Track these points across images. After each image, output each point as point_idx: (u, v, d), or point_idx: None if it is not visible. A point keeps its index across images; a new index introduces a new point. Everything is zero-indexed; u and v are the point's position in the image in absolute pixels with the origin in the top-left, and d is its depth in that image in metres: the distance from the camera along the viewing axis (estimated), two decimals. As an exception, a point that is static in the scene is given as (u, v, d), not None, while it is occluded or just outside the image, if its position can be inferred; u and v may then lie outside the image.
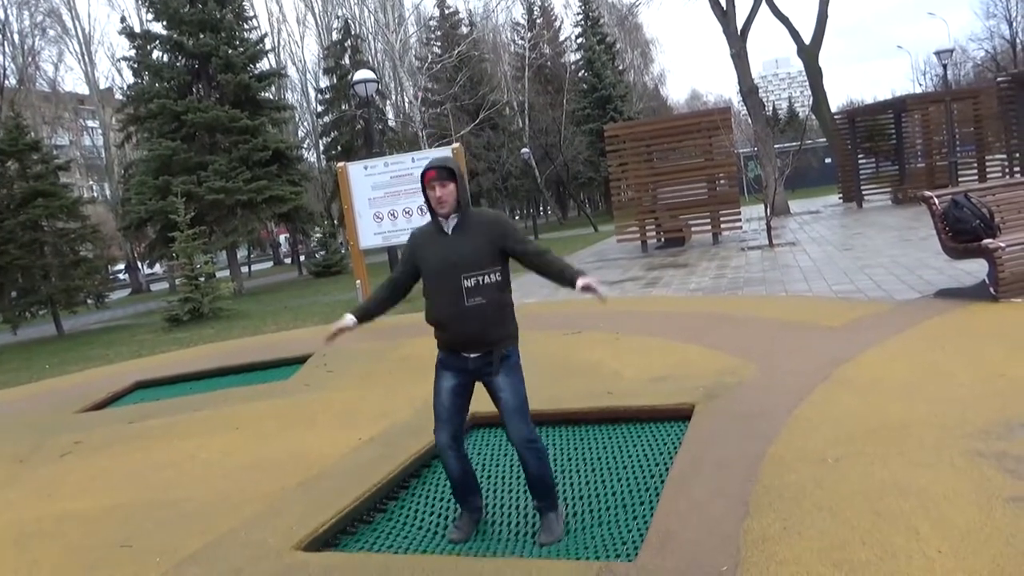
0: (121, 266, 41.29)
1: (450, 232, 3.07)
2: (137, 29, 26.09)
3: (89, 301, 17.86)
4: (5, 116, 17.80)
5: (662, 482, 3.39)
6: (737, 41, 21.94)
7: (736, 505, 2.95)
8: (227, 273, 24.13)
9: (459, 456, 3.19)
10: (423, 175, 3.06)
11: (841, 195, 21.93)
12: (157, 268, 37.42)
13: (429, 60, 30.55)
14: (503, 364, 3.06)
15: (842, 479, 3.06)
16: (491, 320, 3.03)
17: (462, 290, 2.98)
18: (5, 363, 12.81)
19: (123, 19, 30.14)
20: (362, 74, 13.35)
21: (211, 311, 14.85)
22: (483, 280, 2.99)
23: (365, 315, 3.30)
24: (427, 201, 3.07)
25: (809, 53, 24.11)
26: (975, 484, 2.86)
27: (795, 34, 24.37)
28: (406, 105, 32.12)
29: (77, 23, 34.81)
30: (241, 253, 31.98)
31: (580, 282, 2.98)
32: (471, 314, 2.99)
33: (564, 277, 3.05)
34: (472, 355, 3.07)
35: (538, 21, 44.43)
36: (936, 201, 6.41)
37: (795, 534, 2.66)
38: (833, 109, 26.00)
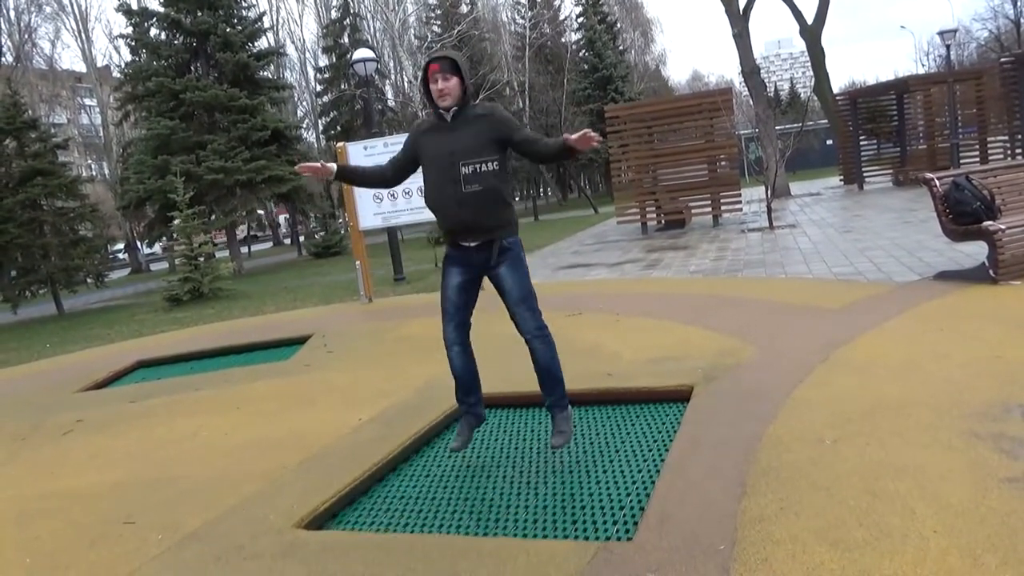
0: (120, 245, 41.24)
1: (450, 121, 3.14)
2: (134, 6, 25.80)
3: (89, 280, 17.84)
4: (2, 94, 17.66)
5: (660, 463, 3.42)
6: (739, 21, 21.78)
7: (733, 485, 2.97)
8: (227, 253, 24.11)
9: (464, 351, 3.34)
10: (426, 67, 3.11)
11: (842, 177, 21.89)
12: (156, 248, 37.36)
13: (429, 39, 30.37)
14: (505, 256, 3.16)
15: (839, 459, 3.09)
16: (488, 207, 3.11)
17: (460, 177, 3.07)
18: (5, 342, 12.83)
19: (120, -4, 29.87)
20: (361, 53, 13.24)
21: (211, 291, 14.87)
22: (480, 168, 3.07)
23: (350, 171, 3.37)
24: (427, 94, 3.11)
25: (811, 33, 23.96)
26: (971, 465, 2.88)
27: (798, 14, 24.21)
28: (405, 85, 31.90)
29: (73, 0, 34.54)
30: (243, 231, 31.96)
31: (570, 139, 3.00)
32: (468, 200, 3.07)
33: (558, 150, 3.10)
34: (472, 244, 3.15)
35: (538, 1, 44.05)
36: (937, 183, 6.40)
37: (791, 514, 2.68)
38: (835, 90, 25.87)
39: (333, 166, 3.34)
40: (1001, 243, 5.95)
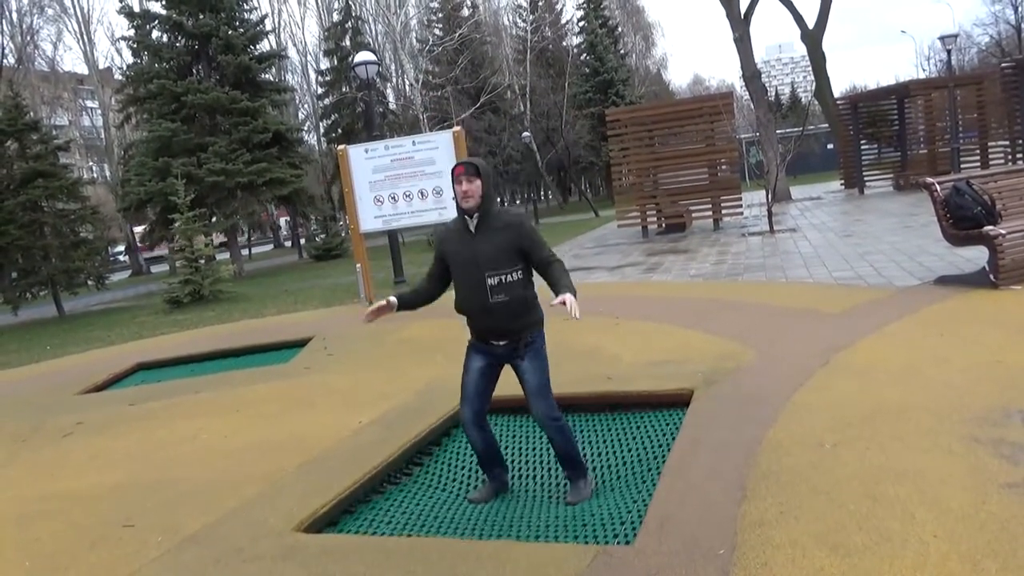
0: (121, 248, 41.24)
1: (474, 230, 3.22)
2: (136, 8, 25.83)
3: (89, 282, 17.84)
4: (4, 96, 17.68)
5: (660, 466, 3.42)
6: (740, 25, 21.80)
7: (733, 489, 2.97)
8: (227, 256, 24.12)
9: (482, 432, 3.39)
10: (453, 170, 3.26)
11: (843, 181, 21.89)
12: (156, 251, 37.37)
13: (430, 42, 30.40)
14: (528, 348, 3.18)
15: (839, 464, 3.08)
16: (515, 314, 3.23)
17: (486, 288, 3.17)
18: (6, 344, 12.83)
19: (122, -2, 29.92)
20: (363, 56, 13.25)
21: (211, 293, 14.87)
22: (506, 279, 3.17)
23: (406, 302, 3.42)
24: (455, 196, 3.19)
25: (812, 38, 23.99)
26: (971, 470, 2.88)
27: (799, 18, 24.23)
28: (407, 88, 31.95)
29: (76, 2, 34.57)
30: (243, 235, 31.99)
31: (557, 298, 3.06)
32: (496, 309, 3.19)
33: (555, 287, 3.15)
34: (499, 343, 3.25)
35: (540, 4, 44.07)
36: (937, 188, 6.40)
37: (791, 518, 2.68)
38: (836, 94, 25.88)
39: (395, 300, 3.39)
40: (1001, 248, 5.95)
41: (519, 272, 3.20)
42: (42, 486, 4.28)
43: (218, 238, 26.43)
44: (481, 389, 3.34)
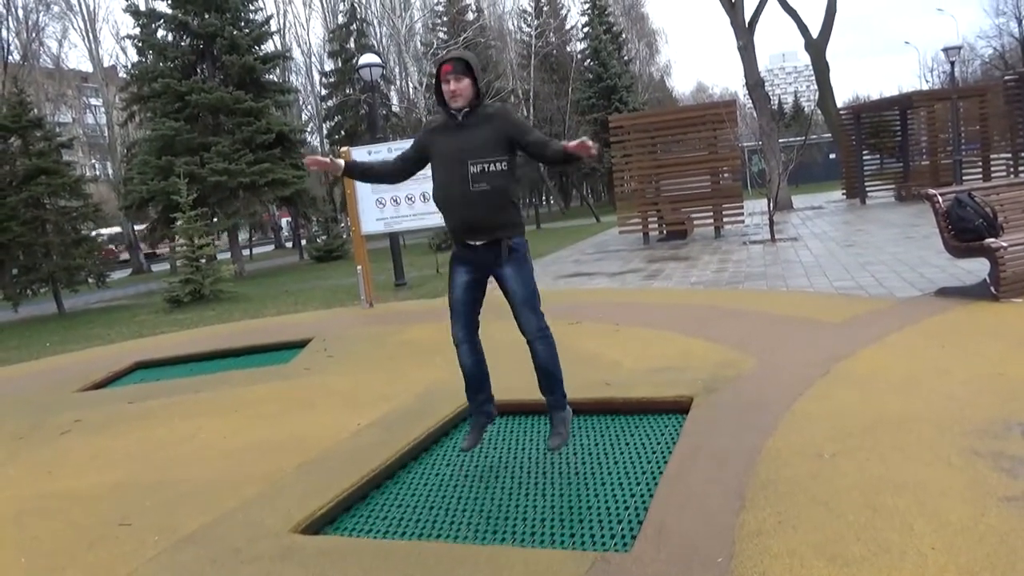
0: (122, 245, 41.22)
1: (460, 120, 3.16)
2: (142, 7, 25.89)
3: (90, 280, 17.85)
4: (8, 92, 17.70)
5: (659, 473, 3.41)
6: (744, 33, 21.84)
7: (732, 498, 2.97)
8: (228, 255, 24.13)
9: (473, 349, 3.37)
10: (439, 67, 3.13)
11: (844, 191, 21.91)
12: (158, 249, 37.39)
13: (435, 45, 30.45)
14: (510, 256, 3.16)
15: (838, 474, 3.08)
16: (495, 207, 3.13)
17: (468, 176, 3.09)
18: (5, 340, 12.83)
19: (128, -3, 29.96)
20: (367, 58, 13.27)
21: (212, 293, 14.87)
22: (489, 167, 3.09)
23: (357, 167, 3.38)
24: (439, 95, 3.13)
25: (816, 47, 24.02)
26: (971, 482, 2.88)
27: (803, 28, 24.27)
28: (410, 90, 32.01)
29: (82, 0, 34.66)
30: (242, 235, 32.02)
31: (568, 147, 3.01)
32: (475, 199, 3.10)
33: (561, 156, 3.10)
34: (478, 243, 3.16)
35: (544, 9, 44.16)
36: (939, 199, 6.40)
37: (790, 528, 2.67)
38: (839, 104, 25.92)
39: (341, 162, 3.35)
40: (1003, 260, 5.96)
41: (503, 163, 3.12)
42: (40, 484, 4.28)
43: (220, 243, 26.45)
44: (469, 301, 3.29)
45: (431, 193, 3.33)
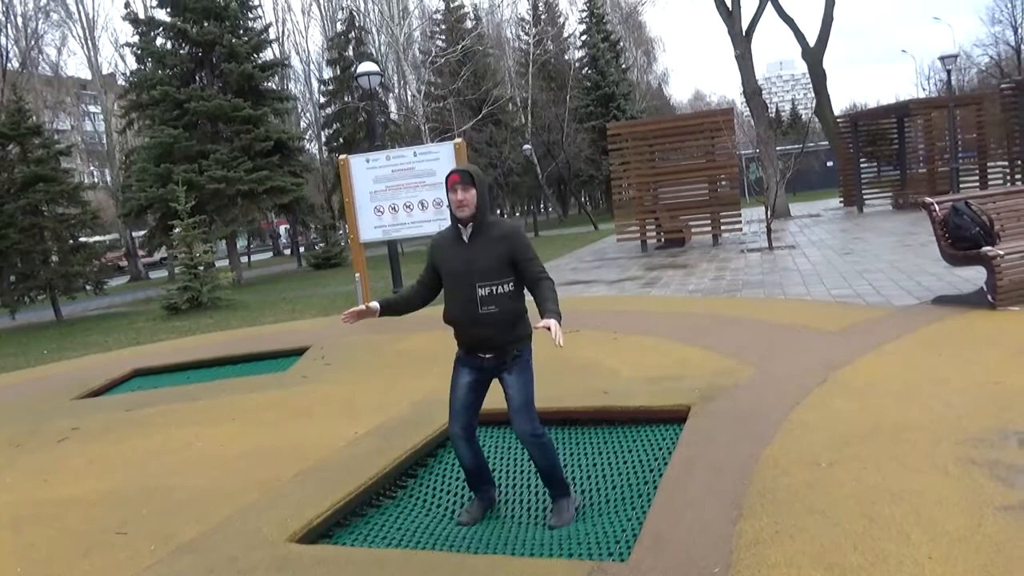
0: (120, 252, 41.20)
1: (467, 240, 3.19)
2: (141, 15, 26.00)
3: (88, 287, 17.84)
4: (7, 100, 17.73)
5: (656, 483, 3.41)
6: (742, 42, 21.93)
7: (729, 507, 2.97)
8: (226, 263, 24.13)
9: (471, 447, 3.34)
10: (447, 178, 3.17)
11: (842, 199, 21.96)
12: (156, 256, 37.38)
13: (433, 54, 30.53)
14: (515, 362, 3.16)
15: (835, 483, 3.08)
16: (504, 327, 3.17)
17: (476, 298, 3.12)
18: (3, 348, 12.81)
19: (127, 4, 30.07)
20: (366, 66, 13.31)
21: (210, 300, 14.86)
22: (496, 290, 3.12)
23: (390, 307, 3.38)
24: (449, 204, 3.17)
25: (813, 55, 24.10)
26: (967, 492, 2.88)
27: (800, 36, 24.35)
28: (408, 98, 32.07)
29: (81, 7, 34.74)
30: (241, 243, 32.02)
31: (542, 322, 3.01)
32: (485, 321, 3.14)
33: (541, 308, 3.12)
34: (487, 355, 3.20)
35: (543, 17, 44.35)
36: (936, 207, 6.42)
37: (787, 537, 2.67)
38: (836, 112, 26.00)
39: (376, 305, 3.35)
40: (999, 269, 5.97)
41: (510, 284, 3.15)
42: (37, 491, 4.27)
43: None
44: (469, 404, 3.30)
45: (444, 307, 3.30)
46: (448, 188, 3.17)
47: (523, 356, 3.25)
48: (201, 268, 15.21)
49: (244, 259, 35.31)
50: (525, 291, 3.25)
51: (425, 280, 3.36)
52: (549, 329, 2.97)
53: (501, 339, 3.18)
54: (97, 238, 22.47)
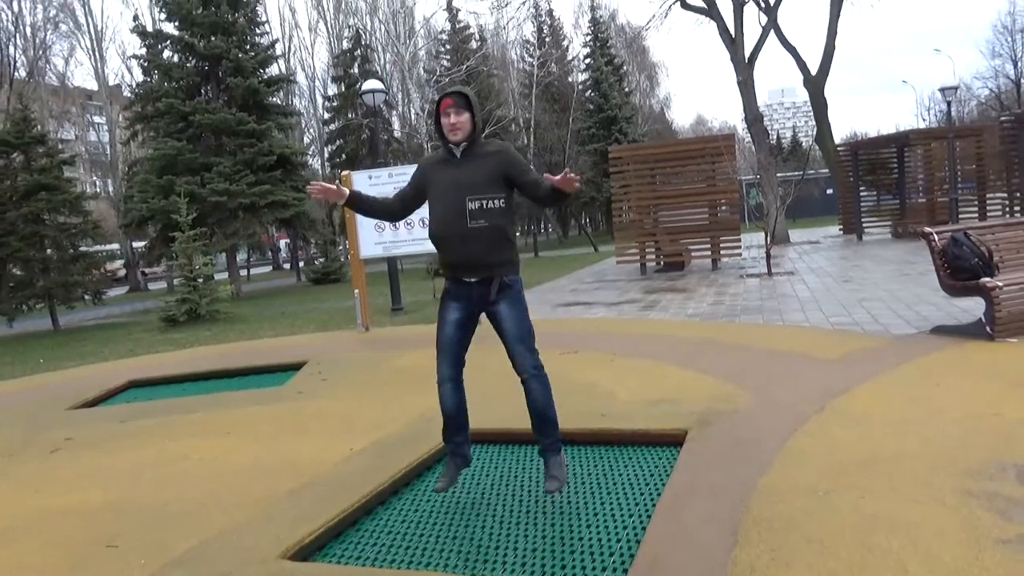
0: (119, 263, 41.22)
1: (459, 156, 3.14)
2: (149, 28, 26.19)
3: (87, 297, 17.82)
4: (13, 108, 17.81)
5: (652, 507, 3.39)
6: (744, 69, 22.12)
7: (725, 534, 2.95)
8: (226, 276, 24.13)
9: (456, 389, 3.31)
10: (439, 101, 3.15)
11: (841, 226, 22.03)
12: (158, 268, 37.39)
13: (438, 73, 30.74)
14: (505, 293, 3.13)
15: (832, 512, 3.06)
16: (492, 244, 3.12)
17: (466, 211, 3.07)
18: (-2, 355, 12.77)
19: (135, 17, 30.27)
20: (370, 84, 13.40)
21: (208, 313, 14.84)
22: (487, 204, 3.08)
23: (360, 198, 3.37)
24: (439, 128, 3.14)
25: (815, 84, 24.30)
26: (965, 523, 2.86)
27: (802, 64, 24.56)
28: (412, 116, 32.25)
29: (90, 19, 35.02)
30: (241, 256, 32.04)
31: (554, 181, 3.04)
32: (473, 235, 3.08)
33: (550, 193, 3.13)
34: (473, 279, 3.13)
35: (547, 40, 44.74)
36: (935, 237, 6.44)
37: (783, 565, 2.65)
38: (837, 140, 26.16)
39: (346, 190, 3.34)
40: (998, 300, 5.98)
41: (501, 200, 3.12)
42: (27, 502, 4.23)
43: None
44: (457, 340, 3.24)
45: (430, 223, 3.31)
46: (440, 112, 3.13)
47: (514, 287, 3.20)
48: (200, 280, 15.21)
49: (244, 272, 35.32)
50: (514, 213, 3.24)
51: (403, 194, 3.34)
52: (564, 174, 2.97)
53: (489, 258, 3.11)
54: (98, 247, 22.48)
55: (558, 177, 3.02)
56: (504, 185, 3.13)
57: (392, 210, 3.40)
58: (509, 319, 3.15)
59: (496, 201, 3.11)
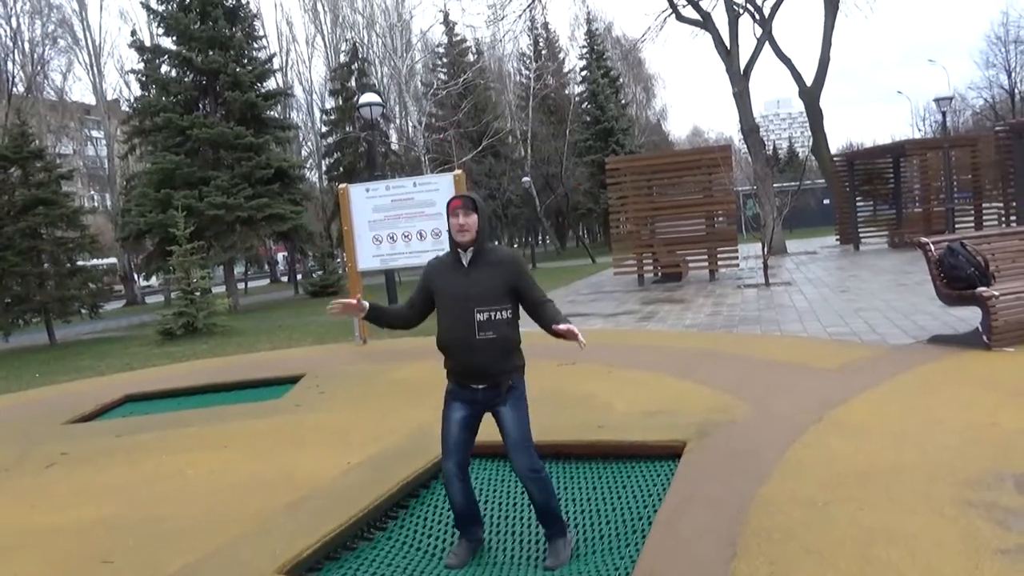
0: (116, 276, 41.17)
1: (466, 265, 3.17)
2: (147, 43, 26.29)
3: (83, 311, 17.79)
4: (11, 123, 17.84)
5: (650, 519, 3.38)
6: (740, 80, 22.23)
7: (724, 546, 2.94)
8: (223, 289, 24.10)
9: (464, 486, 3.27)
10: (449, 203, 3.19)
11: (838, 236, 22.08)
12: (153, 281, 37.36)
13: (435, 86, 30.85)
14: (509, 395, 3.12)
15: (831, 523, 3.05)
16: (500, 354, 3.12)
17: (474, 323, 3.08)
18: (-5, 370, 12.72)
19: (134, 32, 30.40)
20: (368, 97, 13.47)
21: (205, 326, 14.81)
22: (495, 316, 3.09)
23: (377, 312, 3.35)
24: (449, 229, 3.17)
25: (810, 95, 24.41)
26: (964, 534, 2.86)
27: (797, 76, 24.69)
28: (409, 129, 32.35)
29: (88, 34, 35.10)
30: (238, 269, 32.02)
31: (564, 325, 3.03)
32: (481, 347, 3.09)
33: (553, 320, 3.12)
34: (480, 387, 3.14)
35: (543, 53, 44.94)
36: (932, 247, 6.46)
37: (782, 578, 2.64)
38: (832, 151, 26.26)
39: (367, 304, 3.35)
40: (994, 309, 5.99)
41: (508, 311, 3.13)
42: (22, 518, 4.21)
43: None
44: (463, 440, 3.23)
45: (438, 332, 3.28)
46: (450, 213, 3.17)
47: (518, 388, 3.21)
48: (198, 294, 15.19)
49: (241, 285, 35.30)
50: (520, 324, 3.23)
51: (415, 302, 3.33)
52: (571, 330, 2.97)
53: (496, 367, 3.13)
54: (95, 262, 22.47)
55: (564, 328, 3.03)
56: (511, 295, 3.15)
57: (408, 319, 3.40)
58: (511, 422, 3.17)
59: (503, 312, 3.13)
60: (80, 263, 18.31)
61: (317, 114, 40.69)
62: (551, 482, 3.29)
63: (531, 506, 3.53)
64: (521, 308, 3.20)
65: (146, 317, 22.65)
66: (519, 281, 3.16)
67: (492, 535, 3.51)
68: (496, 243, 3.65)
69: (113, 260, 39.09)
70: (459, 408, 3.23)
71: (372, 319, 3.36)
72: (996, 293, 6.01)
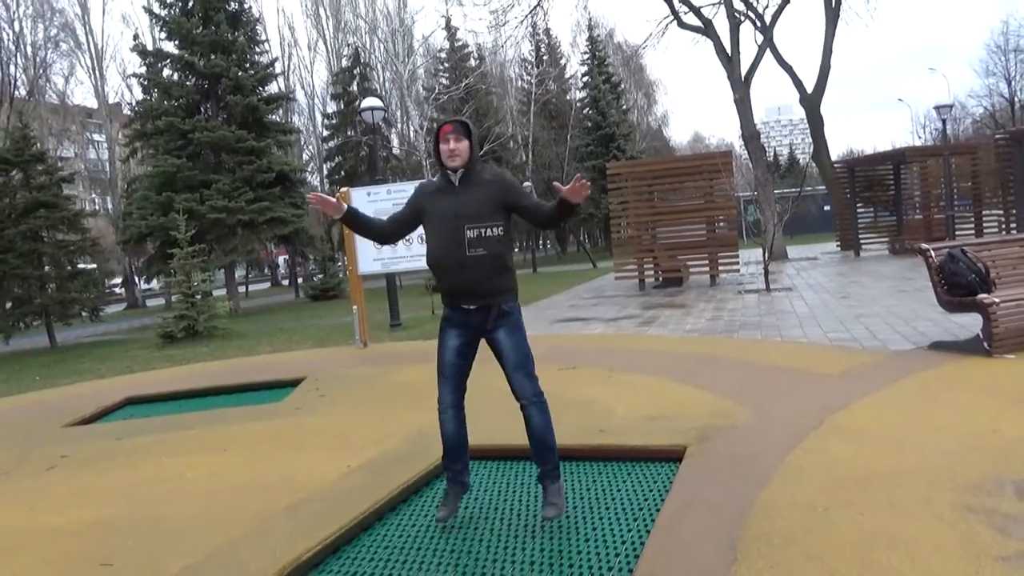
0: (118, 280, 41.21)
1: (457, 184, 3.15)
2: (149, 47, 26.35)
3: (84, 314, 17.80)
4: (12, 127, 17.88)
5: (650, 523, 3.38)
6: (741, 87, 22.27)
7: (724, 550, 2.93)
8: (224, 292, 24.12)
9: (457, 415, 3.30)
10: (439, 128, 3.19)
11: (839, 243, 22.09)
12: (154, 284, 37.37)
13: (436, 91, 30.92)
14: (504, 320, 3.15)
15: (831, 528, 3.05)
16: (490, 272, 3.13)
17: (464, 240, 3.09)
18: (-5, 372, 12.72)
19: (136, 36, 30.47)
20: (369, 101, 13.46)
21: (206, 329, 14.82)
22: (485, 232, 3.10)
23: (356, 217, 3.38)
24: (438, 154, 3.17)
25: (811, 101, 24.46)
26: (964, 540, 2.85)
27: (798, 82, 24.75)
28: (411, 134, 32.41)
29: (90, 38, 35.23)
30: (239, 272, 32.04)
31: (563, 191, 3.04)
32: (471, 264, 3.09)
33: (557, 209, 3.14)
34: (472, 307, 3.14)
35: (545, 58, 45.04)
36: (932, 254, 6.46)
37: (782, 582, 2.64)
38: (833, 157, 26.29)
39: (344, 205, 3.35)
40: (995, 316, 5.99)
41: (499, 228, 3.13)
42: (21, 520, 4.21)
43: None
44: (459, 365, 3.25)
45: (428, 250, 3.32)
46: (440, 138, 3.17)
47: (512, 314, 3.20)
48: (198, 297, 15.20)
49: (242, 289, 35.30)
50: (512, 240, 3.25)
51: (398, 217, 3.35)
52: (572, 185, 2.96)
53: (487, 286, 3.12)
54: (94, 265, 22.49)
55: (568, 187, 3.03)
56: (503, 213, 3.15)
57: (385, 232, 3.42)
58: (508, 346, 3.15)
59: (494, 229, 3.13)
60: (81, 266, 18.34)
61: (319, 118, 40.79)
62: (549, 410, 3.29)
63: (534, 502, 3.55)
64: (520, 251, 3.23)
65: (147, 320, 22.65)
66: (510, 196, 3.17)
67: (493, 534, 3.50)
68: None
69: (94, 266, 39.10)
70: (454, 336, 3.24)
71: (349, 222, 3.36)
72: (997, 300, 6.01)
